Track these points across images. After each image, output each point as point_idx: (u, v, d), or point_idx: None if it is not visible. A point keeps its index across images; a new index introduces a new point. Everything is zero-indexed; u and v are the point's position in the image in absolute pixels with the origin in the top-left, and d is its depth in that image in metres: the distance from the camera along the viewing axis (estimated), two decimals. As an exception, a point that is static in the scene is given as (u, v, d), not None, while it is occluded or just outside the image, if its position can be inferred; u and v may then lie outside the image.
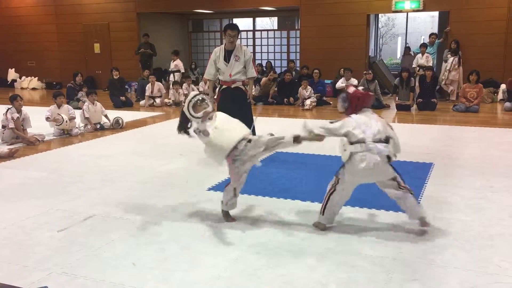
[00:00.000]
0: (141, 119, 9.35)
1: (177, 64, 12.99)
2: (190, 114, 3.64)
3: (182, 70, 13.12)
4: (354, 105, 3.47)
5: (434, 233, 3.54)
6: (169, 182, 4.93)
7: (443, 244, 3.34)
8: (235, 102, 5.82)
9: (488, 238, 3.44)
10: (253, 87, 6.81)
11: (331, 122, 3.46)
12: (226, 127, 3.61)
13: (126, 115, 8.91)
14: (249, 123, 6.11)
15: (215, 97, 6.00)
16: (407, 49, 13.89)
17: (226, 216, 3.84)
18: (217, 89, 6.09)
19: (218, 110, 5.74)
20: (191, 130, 3.73)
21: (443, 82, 11.28)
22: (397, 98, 10.25)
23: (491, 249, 3.26)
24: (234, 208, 3.86)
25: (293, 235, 3.54)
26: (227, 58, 5.82)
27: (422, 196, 4.37)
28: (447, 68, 11.15)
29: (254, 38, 16.25)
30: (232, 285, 2.81)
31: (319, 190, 4.53)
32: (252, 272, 2.97)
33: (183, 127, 3.77)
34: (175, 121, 9.66)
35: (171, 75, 12.94)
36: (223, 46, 5.94)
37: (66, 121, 7.59)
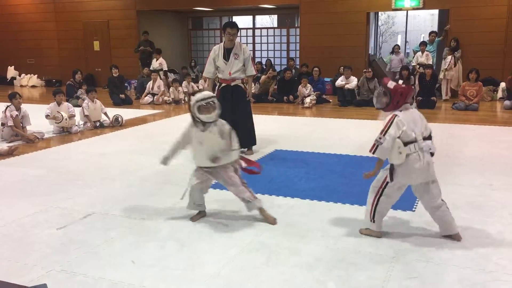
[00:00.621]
0: (140, 117, 9.35)
1: (161, 62, 12.78)
2: (194, 113, 3.63)
3: (165, 68, 12.96)
4: (396, 101, 3.23)
5: (432, 231, 3.54)
6: (168, 180, 4.93)
7: (442, 242, 3.34)
8: (235, 100, 5.85)
9: (487, 236, 3.44)
10: (253, 85, 6.83)
11: (381, 137, 3.18)
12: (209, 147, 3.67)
13: (126, 113, 8.91)
14: (249, 121, 6.07)
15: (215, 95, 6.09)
16: (396, 47, 13.17)
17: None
18: (217, 87, 6.11)
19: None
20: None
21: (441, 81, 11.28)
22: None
23: (490, 247, 3.27)
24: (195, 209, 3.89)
25: (292, 233, 3.54)
26: (226, 56, 5.83)
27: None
28: (444, 67, 11.15)
29: (254, 36, 16.24)
30: (231, 283, 2.82)
31: (319, 188, 4.55)
32: (251, 270, 2.97)
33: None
34: (175, 119, 9.66)
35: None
36: (222, 44, 5.95)
37: (66, 119, 7.59)
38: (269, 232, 3.56)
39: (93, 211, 4.02)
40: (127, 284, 2.82)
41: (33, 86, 15.97)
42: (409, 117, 3.24)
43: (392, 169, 3.26)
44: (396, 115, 3.23)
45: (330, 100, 11.23)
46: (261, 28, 16.89)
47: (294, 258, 3.13)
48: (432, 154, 3.31)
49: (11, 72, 16.54)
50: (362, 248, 3.27)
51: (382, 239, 3.40)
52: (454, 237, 3.38)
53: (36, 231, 3.62)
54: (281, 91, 11.48)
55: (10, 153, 6.14)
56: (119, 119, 8.28)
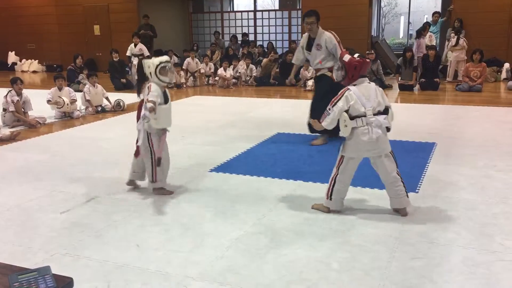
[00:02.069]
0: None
1: (141, 48, 11.56)
2: (157, 76, 3.76)
3: (147, 54, 11.67)
4: (351, 74, 3.34)
5: (436, 212, 3.54)
6: (171, 164, 4.91)
7: (446, 223, 3.34)
8: (317, 90, 5.67)
9: (491, 217, 3.43)
10: (254, 68, 6.80)
11: (330, 108, 3.32)
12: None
13: (127, 98, 8.87)
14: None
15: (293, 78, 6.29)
16: (421, 29, 11.52)
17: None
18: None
19: (315, 94, 5.74)
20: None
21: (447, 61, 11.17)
22: (400, 78, 10.18)
23: (493, 227, 3.26)
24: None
25: (295, 215, 3.54)
26: (309, 47, 5.59)
27: (424, 175, 4.36)
28: (448, 48, 11.03)
29: (255, 18, 16.09)
30: (234, 265, 2.82)
31: (322, 171, 4.53)
32: (254, 252, 2.98)
33: (142, 82, 3.95)
34: (176, 103, 9.60)
35: (134, 60, 11.22)
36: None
37: (67, 104, 7.57)
38: (273, 214, 3.56)
39: (97, 195, 4.02)
40: (132, 267, 2.82)
41: (34, 72, 15.90)
42: (362, 91, 3.32)
43: (343, 144, 3.42)
44: (348, 89, 3.32)
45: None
46: (262, 11, 16.72)
47: (297, 240, 3.14)
48: (388, 129, 3.38)
49: (11, 57, 16.47)
50: (366, 229, 3.27)
51: (386, 220, 3.39)
52: (400, 211, 3.46)
53: (39, 215, 3.63)
54: (283, 74, 11.40)
55: (12, 138, 6.14)
56: (121, 103, 8.25)
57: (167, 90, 3.95)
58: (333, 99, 3.35)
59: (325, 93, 5.07)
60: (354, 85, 3.35)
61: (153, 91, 3.73)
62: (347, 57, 3.35)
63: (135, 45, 11.54)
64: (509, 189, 3.98)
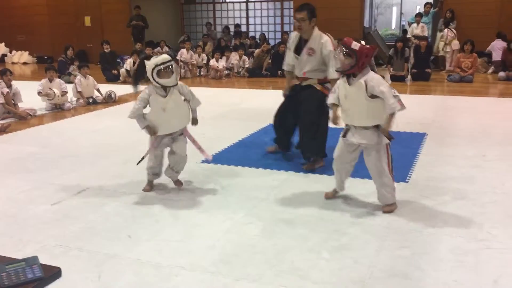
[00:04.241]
0: (133, 93, 9.24)
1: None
2: (154, 79, 3.56)
3: None
4: (362, 62, 3.15)
5: (426, 201, 3.57)
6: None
7: (435, 212, 3.37)
8: (300, 103, 4.41)
9: (480, 206, 3.47)
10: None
11: (395, 91, 3.16)
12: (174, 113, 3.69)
13: (119, 89, 8.83)
14: (314, 127, 4.31)
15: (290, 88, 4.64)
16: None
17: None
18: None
19: (281, 104, 4.70)
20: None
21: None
22: (391, 69, 10.20)
23: (482, 216, 3.30)
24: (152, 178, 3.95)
25: (286, 205, 3.56)
26: (298, 50, 4.41)
27: (415, 165, 4.39)
28: (442, 40, 11.07)
29: (247, 9, 16.00)
30: (225, 255, 2.84)
31: (312, 161, 4.54)
32: (245, 242, 2.99)
33: (138, 80, 3.77)
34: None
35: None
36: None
37: (58, 96, 7.52)
38: (264, 205, 3.58)
39: (88, 187, 4.02)
40: (123, 258, 2.83)
41: (24, 63, 15.77)
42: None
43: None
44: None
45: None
46: (254, 1, 16.62)
47: (288, 230, 3.16)
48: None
49: (1, 49, 16.31)
50: (356, 219, 3.29)
51: (375, 209, 3.42)
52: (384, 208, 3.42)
53: (30, 207, 3.62)
54: (275, 65, 11.37)
55: (2, 130, 6.10)
56: (112, 95, 8.21)
57: (175, 90, 3.65)
58: (388, 84, 3.19)
59: (315, 110, 4.26)
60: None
61: (137, 98, 3.66)
62: (356, 45, 3.16)
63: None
64: (498, 179, 4.02)
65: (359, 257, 2.78)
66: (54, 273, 1.47)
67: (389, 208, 3.40)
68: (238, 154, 4.91)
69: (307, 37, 4.33)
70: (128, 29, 13.73)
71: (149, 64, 3.52)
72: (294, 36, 4.48)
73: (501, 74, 9.82)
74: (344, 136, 3.43)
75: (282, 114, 4.70)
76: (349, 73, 3.26)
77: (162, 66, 3.49)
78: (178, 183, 3.99)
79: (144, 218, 3.39)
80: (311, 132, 4.30)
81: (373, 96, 3.18)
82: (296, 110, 4.44)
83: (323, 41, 4.28)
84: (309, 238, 3.03)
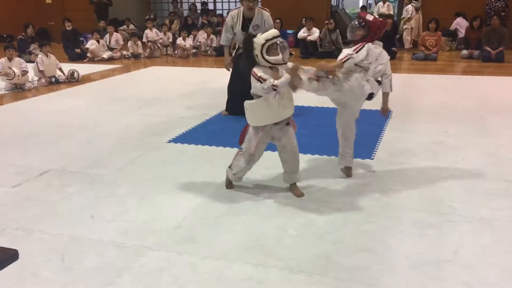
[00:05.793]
0: (98, 72, 9.04)
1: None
2: (262, 56, 3.02)
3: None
4: (373, 34, 3.38)
5: (390, 177, 3.64)
6: (128, 135, 4.83)
7: (399, 188, 3.44)
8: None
9: (442, 181, 3.56)
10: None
11: (353, 54, 3.23)
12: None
13: (82, 68, 8.59)
14: None
15: (230, 60, 5.42)
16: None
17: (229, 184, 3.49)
18: (234, 52, 5.45)
19: (234, 73, 5.23)
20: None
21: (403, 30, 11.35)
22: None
23: (443, 191, 3.38)
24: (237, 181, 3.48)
25: (254, 184, 3.55)
26: (245, 27, 5.01)
27: (380, 142, 4.46)
28: (407, 16, 11.19)
29: (214, -14, 15.74)
30: (192, 233, 2.83)
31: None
32: (212, 221, 2.99)
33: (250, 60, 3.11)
34: (134, 74, 9.37)
35: None
36: (241, 10, 5.11)
37: (18, 75, 7.25)
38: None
39: (50, 168, 3.91)
40: (87, 239, 2.78)
41: (-18, 42, 15.12)
42: (375, 52, 3.40)
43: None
44: (368, 43, 3.33)
45: (293, 53, 11.10)
46: (221, -21, 16.36)
47: (256, 208, 3.16)
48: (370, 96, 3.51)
49: (-43, 27, 15.56)
50: (323, 196, 3.32)
51: (340, 187, 3.46)
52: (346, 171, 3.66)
53: (-11, 190, 3.51)
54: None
55: (-41, 112, 5.86)
56: (75, 74, 7.97)
57: (283, 70, 3.11)
58: (355, 47, 3.29)
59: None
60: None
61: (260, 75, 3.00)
62: (370, 17, 3.41)
63: None
64: (458, 154, 4.13)
65: (324, 233, 2.81)
66: (10, 255, 1.42)
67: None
68: (205, 134, 4.87)
69: (252, 15, 4.94)
70: (91, 6, 13.31)
71: (257, 41, 3.04)
72: (236, 15, 5.07)
73: (464, 52, 10.01)
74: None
75: (234, 78, 5.20)
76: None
77: (271, 42, 3.02)
78: (297, 190, 3.37)
79: (107, 199, 3.33)
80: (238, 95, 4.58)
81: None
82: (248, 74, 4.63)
83: (265, 18, 4.99)
84: (276, 216, 3.04)
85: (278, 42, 3.04)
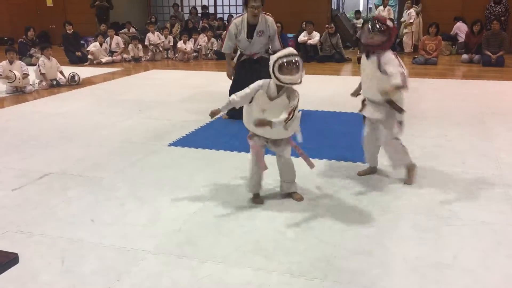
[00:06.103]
0: (98, 75, 9.05)
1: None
2: (274, 73, 2.94)
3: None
4: (391, 41, 3.30)
5: (389, 181, 3.64)
6: (128, 138, 4.84)
7: (398, 192, 3.44)
8: (256, 72, 4.62)
9: (442, 184, 3.56)
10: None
11: (402, 70, 3.17)
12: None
13: (83, 71, 8.61)
14: None
15: (232, 68, 5.40)
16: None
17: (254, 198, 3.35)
18: (236, 58, 5.43)
19: (237, 79, 5.17)
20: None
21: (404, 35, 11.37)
22: (359, 51, 10.27)
23: (443, 194, 3.38)
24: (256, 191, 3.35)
25: (253, 187, 3.55)
26: (249, 34, 5.01)
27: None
28: (409, 20, 11.21)
29: (215, -10, 15.79)
30: (192, 237, 2.83)
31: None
32: (212, 224, 2.98)
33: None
34: (134, 77, 9.41)
35: None
36: (244, 17, 5.04)
37: (19, 78, 7.27)
38: (231, 187, 3.57)
39: (50, 171, 3.92)
40: (86, 242, 2.78)
41: (-17, 45, 15.15)
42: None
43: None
44: (391, 53, 3.29)
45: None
46: (222, -18, 16.41)
47: (255, 211, 3.16)
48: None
49: (-42, 30, 15.60)
50: (322, 200, 3.32)
51: (340, 190, 3.46)
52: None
53: (-10, 193, 3.51)
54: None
55: (-40, 115, 5.87)
56: (76, 77, 7.99)
57: (293, 89, 3.04)
58: (396, 62, 3.22)
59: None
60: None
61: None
62: (390, 23, 3.32)
63: None
64: (459, 157, 4.13)
65: (324, 236, 2.81)
66: (11, 259, 1.42)
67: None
68: (205, 137, 4.87)
69: (256, 22, 4.92)
70: (92, 9, 13.34)
71: (272, 58, 2.98)
72: (240, 23, 5.00)
73: (464, 56, 10.03)
74: (360, 110, 3.57)
75: (236, 85, 4.86)
76: (374, 50, 3.29)
77: (285, 59, 2.90)
78: (296, 194, 3.36)
79: (108, 202, 3.33)
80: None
81: (384, 72, 3.25)
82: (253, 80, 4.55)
83: (269, 23, 5.00)
84: (276, 219, 3.04)
85: (289, 60, 2.90)
